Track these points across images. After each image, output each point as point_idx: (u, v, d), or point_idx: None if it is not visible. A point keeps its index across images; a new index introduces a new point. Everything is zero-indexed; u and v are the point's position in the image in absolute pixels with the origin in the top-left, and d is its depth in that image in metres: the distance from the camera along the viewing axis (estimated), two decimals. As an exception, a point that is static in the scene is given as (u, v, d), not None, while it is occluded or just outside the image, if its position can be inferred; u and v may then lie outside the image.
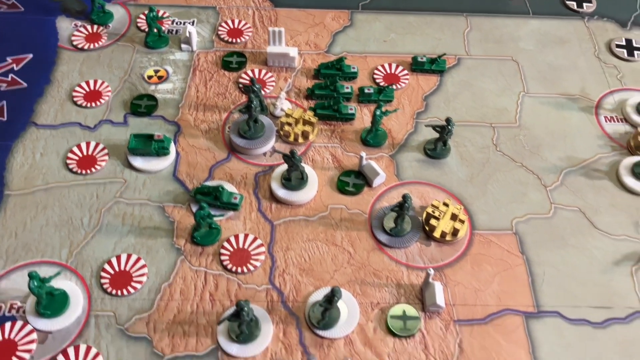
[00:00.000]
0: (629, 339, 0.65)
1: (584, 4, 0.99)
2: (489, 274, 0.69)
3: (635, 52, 0.92)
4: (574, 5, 0.98)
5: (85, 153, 0.77)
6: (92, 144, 0.77)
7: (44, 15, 0.93)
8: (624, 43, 0.93)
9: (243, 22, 0.93)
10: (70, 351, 0.62)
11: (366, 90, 0.84)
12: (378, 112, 0.77)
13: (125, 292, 0.66)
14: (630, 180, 0.77)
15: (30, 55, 0.87)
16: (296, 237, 0.71)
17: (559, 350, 0.64)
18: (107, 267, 0.67)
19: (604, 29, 0.96)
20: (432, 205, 0.72)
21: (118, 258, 0.68)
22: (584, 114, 0.85)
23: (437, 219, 0.71)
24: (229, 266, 0.68)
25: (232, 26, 0.92)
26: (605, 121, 0.84)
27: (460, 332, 0.65)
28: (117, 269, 0.67)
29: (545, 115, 0.84)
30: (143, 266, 0.68)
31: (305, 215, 0.73)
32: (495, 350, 0.63)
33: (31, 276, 0.61)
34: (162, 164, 0.76)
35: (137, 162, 0.76)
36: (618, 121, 0.84)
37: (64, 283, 0.65)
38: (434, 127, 0.77)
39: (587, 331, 0.65)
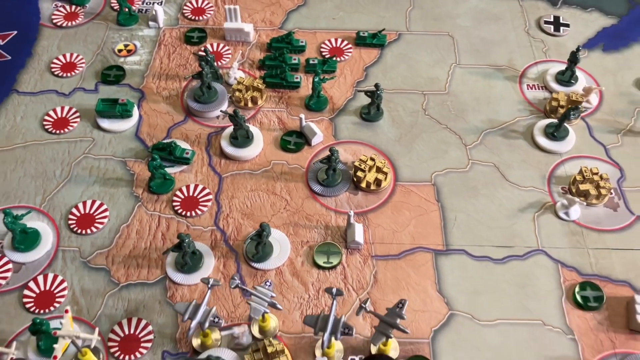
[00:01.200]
0: (523, 272, 0.74)
1: (520, -15, 1.08)
2: (407, 218, 0.78)
3: (561, 28, 1.00)
4: (510, -15, 1.08)
5: (60, 116, 0.87)
6: (66, 109, 0.88)
7: (28, -3, 1.03)
8: (552, 20, 1.01)
9: (206, 2, 1.02)
10: (40, 279, 0.72)
11: (311, 62, 0.93)
12: (316, 79, 0.86)
13: (89, 231, 0.76)
14: (542, 140, 0.86)
15: (15, 32, 0.97)
16: (241, 188, 0.81)
17: (460, 281, 0.73)
18: (74, 210, 0.78)
19: (536, 7, 1.04)
20: (360, 160, 0.81)
21: (84, 203, 0.78)
22: (508, 82, 0.93)
23: (364, 171, 0.80)
24: (180, 211, 0.78)
25: (195, 5, 1.02)
26: (527, 89, 0.93)
27: (376, 266, 0.74)
28: (82, 212, 0.77)
29: (472, 83, 0.93)
30: (105, 210, 0.78)
31: (250, 170, 0.83)
32: (405, 281, 0.73)
33: (5, 213, 0.71)
34: (125, 125, 0.86)
35: (104, 123, 0.86)
36: (539, 89, 0.93)
37: (37, 223, 0.76)
38: (365, 92, 0.86)
39: (488, 266, 0.75)
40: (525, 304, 0.72)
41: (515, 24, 1.01)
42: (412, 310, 0.70)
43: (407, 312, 0.68)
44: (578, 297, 0.72)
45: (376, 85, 0.85)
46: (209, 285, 0.64)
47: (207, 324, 0.62)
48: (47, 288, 0.71)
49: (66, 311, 0.64)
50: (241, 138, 0.83)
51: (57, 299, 0.71)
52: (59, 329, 0.64)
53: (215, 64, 0.90)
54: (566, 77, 0.92)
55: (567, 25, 1.01)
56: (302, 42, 0.96)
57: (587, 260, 0.75)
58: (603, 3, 1.05)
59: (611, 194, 0.81)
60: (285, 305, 0.70)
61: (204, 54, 0.89)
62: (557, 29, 1.00)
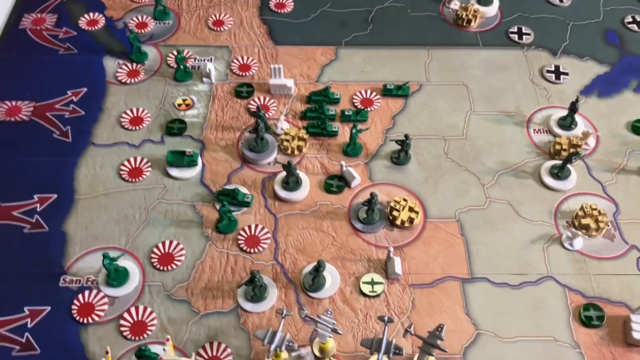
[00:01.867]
0: (536, 296, 0.88)
1: (524, 36, 1.21)
2: (436, 251, 0.92)
3: (561, 76, 1.15)
4: (515, 37, 1.21)
5: (133, 165, 1.01)
6: (139, 159, 1.01)
7: (93, 55, 1.16)
8: (553, 69, 1.16)
9: (251, 59, 1.16)
10: (132, 310, 0.86)
11: (346, 112, 1.07)
12: (354, 131, 1.01)
13: (169, 268, 0.90)
14: (548, 179, 1.00)
15: (85, 89, 1.11)
16: (293, 226, 0.95)
17: (484, 305, 0.87)
18: (155, 250, 0.91)
19: (539, 57, 1.19)
20: (395, 201, 0.95)
21: (163, 244, 0.92)
22: (517, 127, 1.08)
23: (398, 210, 0.94)
24: (245, 248, 0.92)
25: (242, 62, 1.16)
26: (534, 133, 1.07)
27: (413, 293, 0.88)
28: (162, 251, 0.91)
29: (486, 129, 1.07)
30: (182, 249, 0.91)
31: (301, 210, 0.97)
32: (438, 306, 0.87)
33: (104, 256, 0.85)
34: (192, 173, 1.00)
35: (174, 171, 1.00)
36: (544, 133, 1.07)
37: (125, 262, 0.89)
38: (397, 141, 1.00)
39: (506, 291, 0.89)
40: (539, 323, 0.86)
41: (521, 73, 1.15)
42: (445, 331, 0.84)
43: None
44: (583, 317, 0.86)
45: (406, 136, 0.99)
46: (283, 315, 0.78)
47: (283, 347, 0.76)
48: (140, 318, 0.85)
49: (167, 339, 0.77)
50: (292, 183, 0.97)
51: (149, 328, 0.84)
52: (158, 355, 0.78)
53: (266, 116, 1.04)
54: (567, 123, 1.06)
55: (567, 74, 1.15)
56: (337, 94, 1.10)
57: (590, 285, 0.89)
58: (597, 52, 1.19)
59: (608, 226, 0.95)
60: (340, 329, 0.84)
61: (256, 109, 1.03)
62: (557, 77, 1.14)
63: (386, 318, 0.77)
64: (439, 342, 0.76)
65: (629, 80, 1.15)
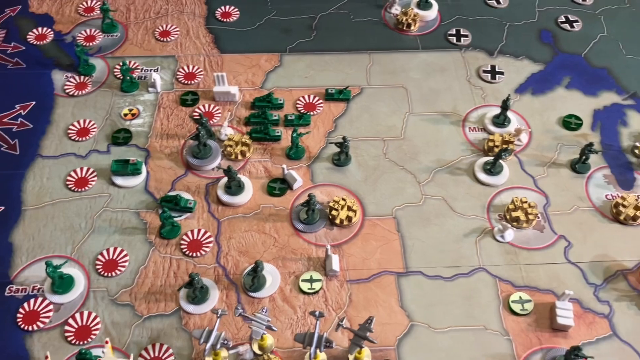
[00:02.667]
0: (468, 287, 0.92)
1: (462, 38, 1.26)
2: (374, 247, 0.96)
3: (497, 76, 1.19)
4: (454, 39, 1.26)
5: (79, 175, 1.03)
6: (85, 169, 1.04)
7: (42, 69, 1.18)
8: (489, 69, 1.20)
9: (196, 67, 1.19)
10: (77, 316, 0.88)
11: (289, 117, 1.11)
12: (294, 135, 1.04)
13: (113, 274, 0.92)
14: (481, 175, 1.04)
15: (34, 102, 1.13)
16: (236, 229, 0.98)
17: (418, 297, 0.91)
18: (100, 257, 0.94)
19: (476, 57, 1.23)
20: (334, 201, 0.98)
21: (107, 250, 0.94)
22: (453, 126, 1.12)
23: (337, 210, 0.98)
24: (187, 252, 0.94)
25: (187, 70, 1.19)
26: (469, 131, 1.11)
27: (350, 289, 0.91)
28: (107, 258, 0.94)
29: (423, 129, 1.11)
30: (125, 255, 0.94)
31: (243, 213, 1.00)
32: (374, 300, 0.90)
33: (47, 264, 0.87)
34: (136, 181, 1.02)
35: (118, 180, 1.02)
36: (479, 131, 1.11)
37: (70, 270, 0.92)
38: (336, 144, 1.04)
39: (440, 283, 0.92)
40: (471, 313, 0.90)
41: (459, 74, 1.20)
42: (380, 323, 0.88)
43: (376, 324, 0.85)
44: (512, 306, 0.90)
45: (344, 138, 1.03)
46: (218, 315, 0.80)
47: (218, 346, 0.78)
48: (84, 323, 0.87)
49: (106, 342, 0.80)
50: (234, 187, 1.00)
51: (92, 332, 0.87)
52: (99, 357, 0.80)
53: (209, 123, 1.07)
54: (500, 120, 1.10)
55: (502, 73, 1.19)
56: (280, 100, 1.13)
57: (520, 275, 0.94)
58: (532, 51, 1.24)
59: (538, 218, 0.99)
60: (279, 326, 0.87)
61: (199, 117, 1.06)
62: (493, 77, 1.19)
63: (317, 313, 0.80)
64: (368, 334, 0.79)
65: (561, 78, 1.20)
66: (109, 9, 1.23)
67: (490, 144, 1.07)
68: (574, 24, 1.29)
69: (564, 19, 1.29)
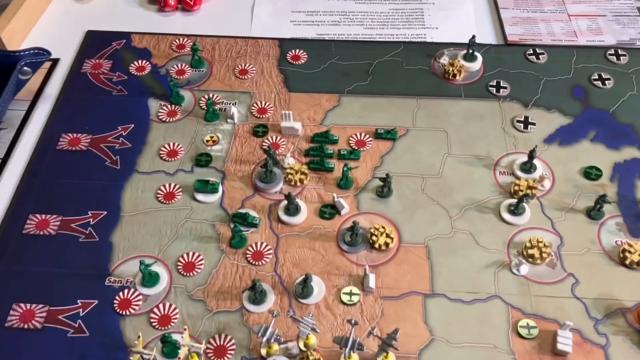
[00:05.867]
0: (484, 311, 1.08)
1: (501, 90, 1.41)
2: (406, 270, 1.13)
3: (529, 126, 1.34)
4: (493, 90, 1.41)
5: (168, 190, 1.25)
6: (172, 185, 1.26)
7: (140, 97, 1.42)
8: (522, 119, 1.35)
9: (268, 103, 1.40)
10: (160, 306, 1.09)
11: (342, 152, 1.30)
12: (345, 168, 1.23)
13: (191, 274, 1.13)
14: (506, 215, 1.19)
15: (133, 125, 1.36)
16: (292, 245, 1.17)
17: (440, 316, 1.07)
18: (181, 259, 1.15)
19: (512, 108, 1.38)
20: (374, 227, 1.16)
21: (187, 254, 1.16)
22: (485, 169, 1.28)
23: (377, 236, 1.16)
24: (251, 261, 1.14)
25: (260, 105, 1.40)
26: (499, 174, 1.27)
27: (383, 304, 1.09)
28: (186, 260, 1.15)
29: (459, 170, 1.28)
30: (201, 259, 1.15)
31: (298, 232, 1.19)
32: (402, 315, 1.08)
33: (141, 262, 1.09)
34: (213, 198, 1.23)
35: (199, 196, 1.24)
36: (508, 175, 1.27)
37: (157, 268, 1.13)
38: (380, 178, 1.22)
39: (459, 306, 1.09)
40: (484, 333, 1.05)
41: (495, 122, 1.35)
42: (405, 335, 1.05)
43: (402, 335, 1.02)
44: (520, 330, 1.05)
45: (387, 175, 1.20)
46: (273, 315, 1.00)
47: (272, 340, 0.98)
48: (166, 312, 1.09)
49: (185, 329, 1.00)
50: (292, 210, 1.19)
51: (172, 320, 1.08)
52: (177, 340, 1.01)
53: (275, 153, 1.27)
54: (527, 167, 1.25)
55: (534, 124, 1.34)
56: (336, 136, 1.32)
57: (529, 304, 1.09)
58: (563, 105, 1.38)
59: (551, 256, 1.14)
60: (321, 329, 1.06)
61: (267, 148, 1.26)
62: (526, 127, 1.34)
63: (353, 321, 0.98)
64: (394, 342, 0.97)
65: (587, 131, 1.33)
66: (198, 48, 1.46)
67: (516, 187, 1.22)
68: (606, 82, 1.42)
69: (597, 77, 1.43)
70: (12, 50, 1.35)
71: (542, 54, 1.48)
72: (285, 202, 1.21)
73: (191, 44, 1.51)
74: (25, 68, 1.33)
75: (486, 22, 1.59)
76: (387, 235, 1.16)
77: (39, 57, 1.35)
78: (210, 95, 1.39)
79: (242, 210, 1.21)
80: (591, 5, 1.59)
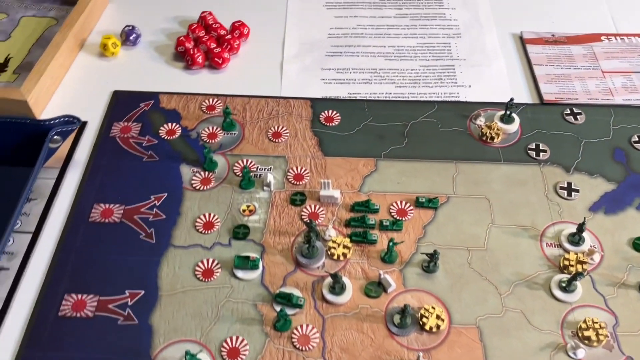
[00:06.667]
0: (543, 399, 1.04)
1: (541, 153, 1.39)
2: (458, 354, 1.09)
3: (573, 193, 1.32)
4: (533, 154, 1.39)
5: (206, 266, 1.21)
6: (210, 260, 1.22)
7: (171, 163, 1.38)
8: (565, 185, 1.33)
9: (304, 169, 1.37)
10: (206, 396, 1.05)
11: (384, 223, 1.26)
12: (390, 244, 1.19)
13: (236, 360, 1.09)
14: (557, 292, 1.16)
15: (166, 194, 1.33)
16: (338, 327, 1.13)
17: (498, 404, 1.04)
18: (224, 344, 1.11)
19: (553, 173, 1.36)
20: (424, 309, 1.13)
21: (231, 338, 1.11)
22: (531, 240, 1.25)
23: (427, 317, 1.12)
24: (297, 345, 1.10)
25: (296, 171, 1.36)
26: (546, 246, 1.24)
27: (437, 391, 1.05)
28: (230, 345, 1.11)
29: (504, 241, 1.24)
30: (246, 344, 1.11)
31: (344, 312, 1.15)
32: (458, 403, 1.04)
33: (187, 353, 1.05)
34: (254, 275, 1.20)
35: (239, 273, 1.20)
36: (555, 247, 1.24)
37: (201, 355, 1.09)
38: (427, 254, 1.19)
39: (517, 393, 1.05)
40: (544, 423, 1.02)
41: (537, 188, 1.33)
42: None
43: None
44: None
45: (435, 251, 1.17)
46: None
47: None
48: (212, 403, 1.04)
49: None
50: (337, 289, 1.16)
51: (219, 412, 1.04)
52: None
53: (316, 224, 1.23)
54: (575, 239, 1.22)
55: (578, 191, 1.32)
56: (376, 205, 1.29)
57: (589, 390, 1.05)
58: (605, 170, 1.36)
59: (608, 338, 1.10)
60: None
61: (309, 221, 1.22)
62: (569, 194, 1.31)
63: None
64: None
65: (632, 198, 1.31)
66: (231, 112, 1.42)
67: (566, 262, 1.19)
68: (647, 144, 1.40)
69: (637, 139, 1.41)
70: (42, 119, 1.31)
71: (580, 114, 1.46)
72: (330, 279, 1.17)
73: (221, 104, 1.48)
74: (55, 137, 1.30)
75: (519, 79, 1.57)
76: (438, 317, 1.13)
77: (70, 125, 1.31)
78: (246, 163, 1.36)
79: (286, 290, 1.17)
80: (624, 61, 1.58)
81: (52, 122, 1.30)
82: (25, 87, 1.43)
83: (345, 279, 1.18)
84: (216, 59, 1.56)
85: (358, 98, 1.52)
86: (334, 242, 1.23)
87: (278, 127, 1.45)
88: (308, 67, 1.59)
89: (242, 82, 1.57)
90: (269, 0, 1.78)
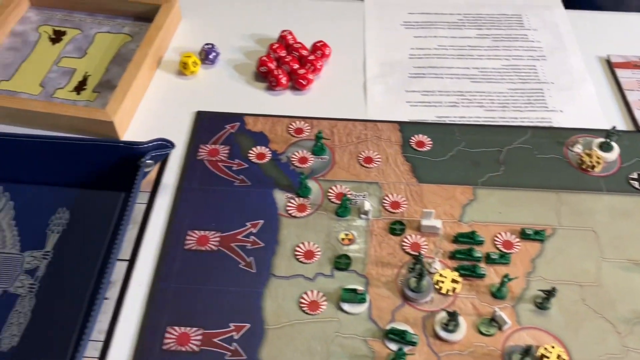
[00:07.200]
0: None
1: (644, 183, 1.35)
2: (583, 397, 1.05)
3: (682, 226, 1.28)
4: (636, 184, 1.35)
5: (311, 299, 1.17)
6: (315, 292, 1.18)
7: (264, 188, 1.34)
8: (674, 218, 1.29)
9: (401, 196, 1.32)
10: None
11: (492, 256, 1.22)
12: (505, 280, 1.15)
13: (352, 400, 1.05)
14: (678, 331, 1.12)
15: (262, 221, 1.29)
16: (454, 365, 1.09)
17: None
18: (338, 382, 1.07)
19: (659, 204, 1.32)
20: (544, 348, 1.09)
21: (344, 376, 1.08)
22: (645, 276, 1.21)
23: (547, 357, 1.08)
24: (415, 385, 1.07)
25: (392, 198, 1.32)
26: (661, 282, 1.20)
27: None
28: (345, 384, 1.07)
29: (616, 276, 1.20)
30: (361, 383, 1.07)
31: (459, 350, 1.11)
32: None
33: (307, 393, 1.01)
34: (361, 308, 1.16)
35: (347, 307, 1.16)
36: (670, 283, 1.20)
37: (315, 393, 1.05)
38: (544, 291, 1.14)
39: None
40: None
41: (644, 221, 1.29)
42: None
43: None
44: None
45: (553, 288, 1.13)
46: None
47: None
48: None
49: None
50: (452, 326, 1.11)
51: None
52: None
53: (422, 256, 1.19)
54: (693, 276, 1.19)
55: (687, 224, 1.28)
56: (481, 237, 1.25)
57: None
58: None
59: None
60: None
61: (417, 254, 1.18)
62: (678, 228, 1.27)
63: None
64: None
65: None
66: (323, 136, 1.39)
67: (686, 300, 1.15)
68: None
69: None
70: (136, 142, 1.27)
71: (679, 142, 1.42)
72: (442, 315, 1.13)
73: (309, 127, 1.44)
74: (148, 161, 1.26)
75: (611, 104, 1.53)
76: (559, 356, 1.08)
77: (164, 149, 1.28)
78: (341, 189, 1.32)
79: (399, 327, 1.13)
80: None
81: (146, 145, 1.26)
82: (110, 107, 1.40)
83: (460, 318, 1.14)
84: (301, 80, 1.52)
85: (447, 122, 1.49)
86: (441, 275, 1.19)
87: (368, 152, 1.41)
88: (392, 89, 1.56)
89: (326, 103, 1.53)
90: (345, 19, 1.75)
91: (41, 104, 1.42)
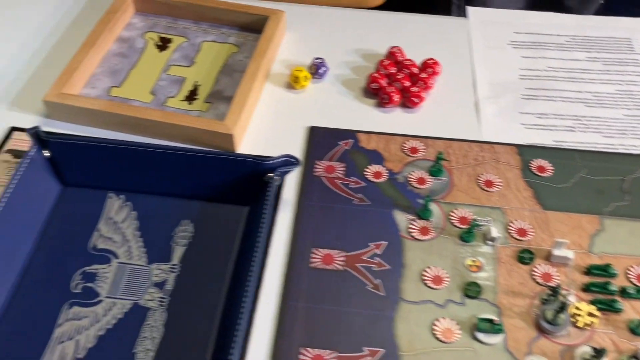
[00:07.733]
0: None
1: None
2: None
3: None
4: None
5: (444, 326, 1.14)
6: (447, 319, 1.15)
7: (384, 208, 1.32)
8: None
9: (526, 223, 1.29)
10: None
11: (628, 290, 1.19)
12: (648, 318, 1.12)
13: None
14: None
15: (386, 243, 1.26)
16: (598, 404, 1.06)
17: None
18: (481, 416, 1.04)
19: None
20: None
21: (487, 410, 1.05)
22: None
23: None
24: (560, 423, 1.03)
25: (517, 225, 1.29)
26: None
27: None
28: (488, 418, 1.04)
29: None
30: (504, 417, 1.04)
31: (602, 387, 1.08)
32: None
33: None
34: (497, 339, 1.13)
35: (481, 336, 1.13)
36: None
37: None
38: (690, 331, 1.11)
39: None
40: None
41: None
42: None
43: None
44: None
45: (701, 328, 1.09)
46: None
47: None
48: None
49: None
50: (594, 362, 1.09)
51: None
52: None
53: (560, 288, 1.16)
54: None
55: None
56: (615, 270, 1.21)
57: None
58: None
59: None
60: None
61: (556, 287, 1.15)
62: None
63: None
64: None
65: None
66: (444, 158, 1.36)
67: None
68: None
69: None
70: (264, 156, 1.26)
71: None
72: (583, 349, 1.10)
73: (424, 147, 1.42)
74: (276, 177, 1.25)
75: None
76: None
77: (290, 166, 1.26)
78: (464, 213, 1.29)
79: (537, 359, 1.11)
80: None
81: (275, 161, 1.24)
82: (229, 119, 1.38)
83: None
84: (413, 98, 1.50)
85: (565, 147, 1.45)
86: (577, 308, 1.16)
87: (487, 175, 1.38)
88: (504, 110, 1.53)
89: (438, 122, 1.50)
90: (452, 37, 1.72)
91: (159, 113, 1.41)
